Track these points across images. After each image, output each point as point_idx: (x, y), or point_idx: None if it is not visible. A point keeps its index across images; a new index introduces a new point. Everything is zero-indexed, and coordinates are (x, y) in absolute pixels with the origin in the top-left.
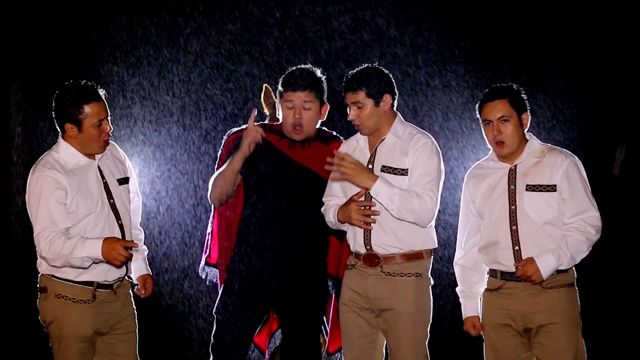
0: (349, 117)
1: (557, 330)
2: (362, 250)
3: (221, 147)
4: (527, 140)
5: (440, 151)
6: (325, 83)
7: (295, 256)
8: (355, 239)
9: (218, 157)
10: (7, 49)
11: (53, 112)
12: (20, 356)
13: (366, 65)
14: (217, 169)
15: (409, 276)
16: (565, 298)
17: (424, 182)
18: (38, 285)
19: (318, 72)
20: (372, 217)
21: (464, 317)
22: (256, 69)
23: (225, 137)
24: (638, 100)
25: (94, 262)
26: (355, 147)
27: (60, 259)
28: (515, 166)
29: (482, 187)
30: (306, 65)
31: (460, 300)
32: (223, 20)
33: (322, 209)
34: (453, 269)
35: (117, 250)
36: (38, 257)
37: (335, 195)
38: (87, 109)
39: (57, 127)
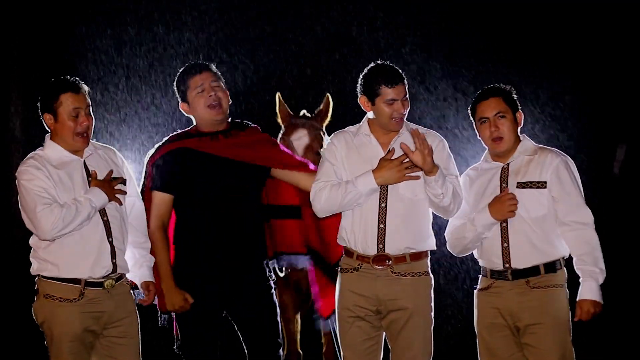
0: (398, 110)
1: (542, 330)
2: (373, 252)
3: (145, 173)
4: (520, 140)
5: None
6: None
7: (235, 252)
8: (364, 238)
9: (142, 183)
10: (7, 50)
11: (39, 99)
12: (21, 357)
13: (380, 62)
14: (145, 192)
15: (420, 275)
16: (552, 299)
17: (451, 178)
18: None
19: None
20: (388, 216)
21: (486, 222)
22: (252, 71)
23: (146, 162)
24: (638, 100)
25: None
26: (362, 142)
27: (68, 220)
28: (508, 165)
29: (475, 186)
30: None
31: (472, 232)
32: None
33: (314, 191)
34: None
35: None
36: (31, 255)
37: (330, 179)
38: (63, 97)
39: (45, 125)
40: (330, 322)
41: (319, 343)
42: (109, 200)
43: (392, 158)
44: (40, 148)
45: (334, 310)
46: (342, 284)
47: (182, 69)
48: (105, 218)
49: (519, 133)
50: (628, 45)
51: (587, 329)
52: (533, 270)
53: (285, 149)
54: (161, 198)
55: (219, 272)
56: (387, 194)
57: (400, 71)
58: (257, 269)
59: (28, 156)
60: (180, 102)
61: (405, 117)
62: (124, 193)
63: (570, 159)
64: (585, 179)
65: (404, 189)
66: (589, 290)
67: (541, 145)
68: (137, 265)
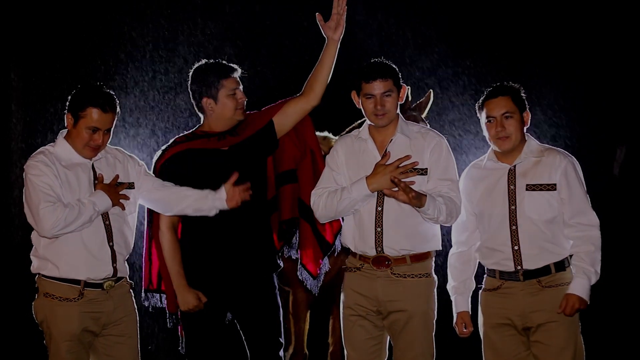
0: (376, 105)
1: (557, 328)
2: (372, 253)
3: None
4: (525, 141)
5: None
6: None
7: (240, 252)
8: (363, 241)
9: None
10: (8, 50)
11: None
12: (20, 356)
13: (376, 59)
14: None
15: (420, 277)
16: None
17: (447, 183)
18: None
19: None
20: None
21: (455, 312)
22: (265, 69)
23: (154, 164)
24: (638, 100)
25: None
26: (361, 147)
27: (70, 220)
28: (515, 166)
29: (480, 187)
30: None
31: (452, 297)
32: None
33: (314, 198)
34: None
35: (117, 194)
36: (31, 253)
37: (329, 186)
38: (90, 111)
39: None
40: (318, 282)
41: (326, 343)
42: (113, 205)
43: (387, 163)
44: (51, 144)
45: (321, 266)
46: (346, 282)
47: (207, 65)
48: (107, 222)
49: (524, 133)
50: (628, 46)
51: (587, 329)
52: (544, 270)
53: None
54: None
55: (223, 271)
56: (383, 198)
57: (386, 68)
58: (261, 268)
59: (38, 151)
60: (201, 96)
61: (391, 115)
62: (128, 198)
63: (575, 159)
64: (585, 179)
65: None
66: (579, 287)
67: (547, 145)
68: (202, 197)
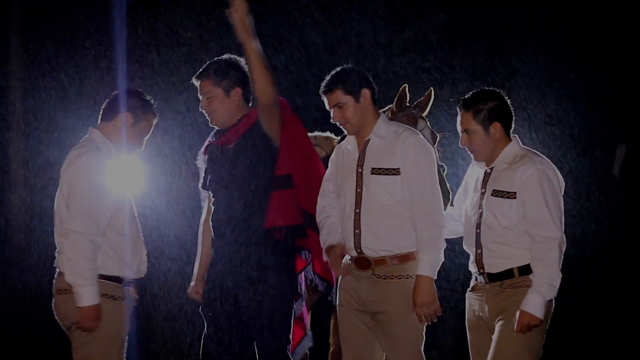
0: (333, 120)
1: (502, 326)
2: (353, 254)
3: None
4: (509, 142)
5: (427, 144)
6: (238, 68)
7: (244, 250)
8: (346, 242)
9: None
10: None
11: (126, 97)
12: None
13: (335, 69)
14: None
15: (399, 278)
16: (519, 297)
17: (419, 189)
18: (59, 287)
19: (232, 59)
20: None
21: None
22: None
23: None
24: (638, 100)
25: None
26: (345, 152)
27: (80, 252)
28: (491, 169)
29: (467, 184)
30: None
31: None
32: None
33: (318, 212)
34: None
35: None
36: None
37: (326, 205)
38: (152, 116)
39: (109, 112)
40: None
41: (326, 343)
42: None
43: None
44: (91, 140)
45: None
46: (340, 281)
47: None
48: (135, 222)
49: (509, 135)
50: (628, 45)
51: (588, 329)
52: (507, 274)
53: None
54: (202, 194)
55: (232, 269)
56: (361, 200)
57: (332, 80)
58: (264, 266)
59: (89, 148)
60: None
61: (355, 122)
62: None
63: (550, 168)
64: (585, 179)
65: (376, 194)
66: (531, 304)
67: (527, 150)
68: None
